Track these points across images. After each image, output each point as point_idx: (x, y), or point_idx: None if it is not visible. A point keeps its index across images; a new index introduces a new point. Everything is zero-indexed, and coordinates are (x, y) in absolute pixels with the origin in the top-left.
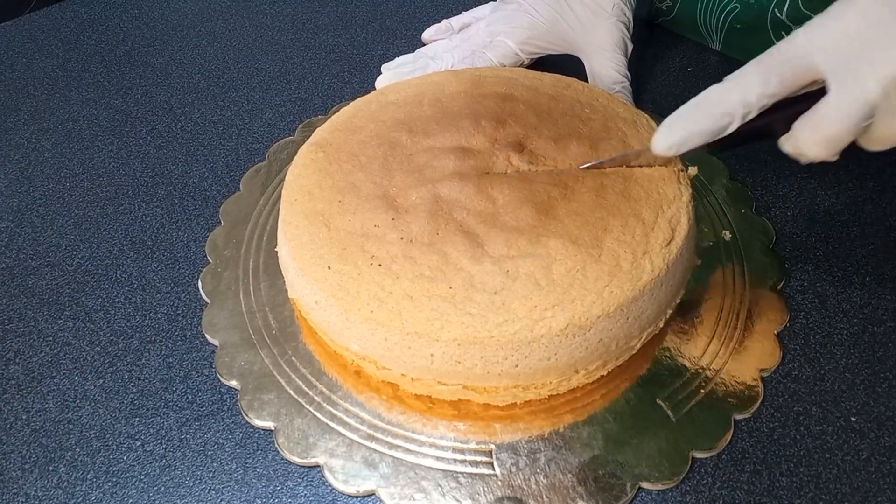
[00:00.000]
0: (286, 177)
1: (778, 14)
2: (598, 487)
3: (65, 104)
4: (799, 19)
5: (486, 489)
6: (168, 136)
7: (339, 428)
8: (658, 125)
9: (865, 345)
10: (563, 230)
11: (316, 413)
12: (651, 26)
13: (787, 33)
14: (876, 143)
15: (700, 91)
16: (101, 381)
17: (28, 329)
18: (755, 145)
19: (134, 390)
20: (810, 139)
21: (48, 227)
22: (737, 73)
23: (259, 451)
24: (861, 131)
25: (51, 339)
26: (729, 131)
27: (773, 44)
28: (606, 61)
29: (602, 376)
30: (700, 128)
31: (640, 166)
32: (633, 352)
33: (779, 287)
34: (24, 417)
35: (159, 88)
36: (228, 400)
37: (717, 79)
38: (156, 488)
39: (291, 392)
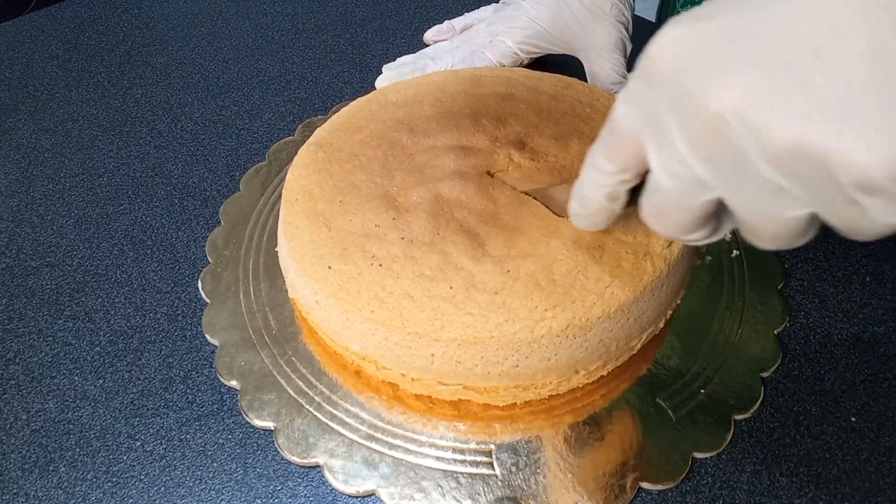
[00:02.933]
0: (286, 177)
1: None
2: (598, 487)
3: (65, 104)
4: None
5: (486, 489)
6: (168, 136)
7: (339, 428)
8: None
9: (865, 345)
10: (565, 230)
11: (316, 413)
12: (658, 29)
13: None
14: (753, 236)
15: None
16: (101, 381)
17: (28, 329)
18: None
19: (134, 390)
20: (645, 210)
21: (48, 227)
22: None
23: (259, 451)
24: (707, 210)
25: (51, 339)
26: (620, 207)
27: None
28: (605, 62)
29: (602, 376)
30: (591, 211)
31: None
32: (634, 352)
33: (779, 287)
34: (24, 417)
35: (159, 88)
36: (228, 400)
37: None
38: (156, 488)
39: (291, 392)
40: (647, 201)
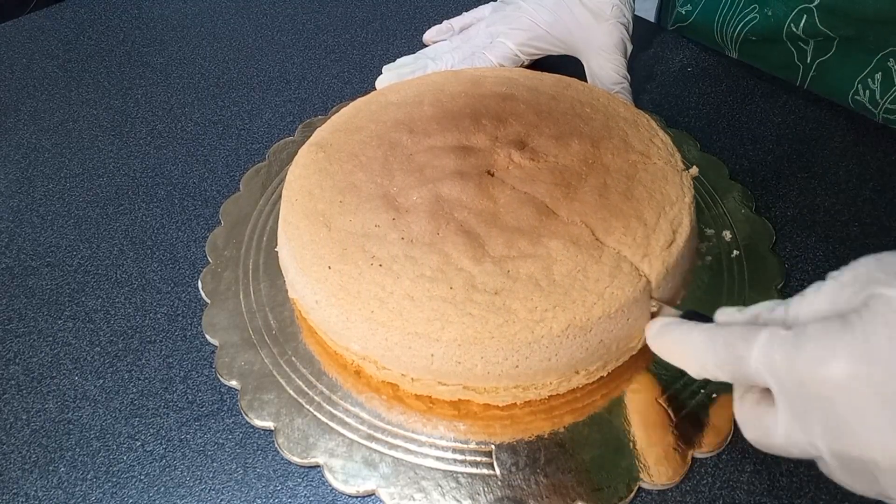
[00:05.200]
0: (287, 177)
1: (794, 28)
2: (598, 487)
3: (65, 104)
4: (815, 35)
5: (486, 489)
6: (168, 136)
7: (339, 428)
8: (657, 122)
9: None
10: (565, 231)
11: (316, 413)
12: (657, 28)
13: (806, 45)
14: (839, 483)
15: (699, 92)
16: (101, 381)
17: (28, 329)
18: (755, 144)
19: (134, 390)
20: (749, 432)
21: (48, 227)
22: (703, 337)
23: (259, 451)
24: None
25: (51, 339)
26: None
27: (791, 55)
28: (606, 63)
29: (602, 377)
30: (685, 369)
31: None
32: (634, 352)
33: (779, 287)
34: (24, 417)
35: (159, 88)
36: (228, 400)
37: (717, 79)
38: (156, 488)
39: (291, 392)
40: (757, 435)
